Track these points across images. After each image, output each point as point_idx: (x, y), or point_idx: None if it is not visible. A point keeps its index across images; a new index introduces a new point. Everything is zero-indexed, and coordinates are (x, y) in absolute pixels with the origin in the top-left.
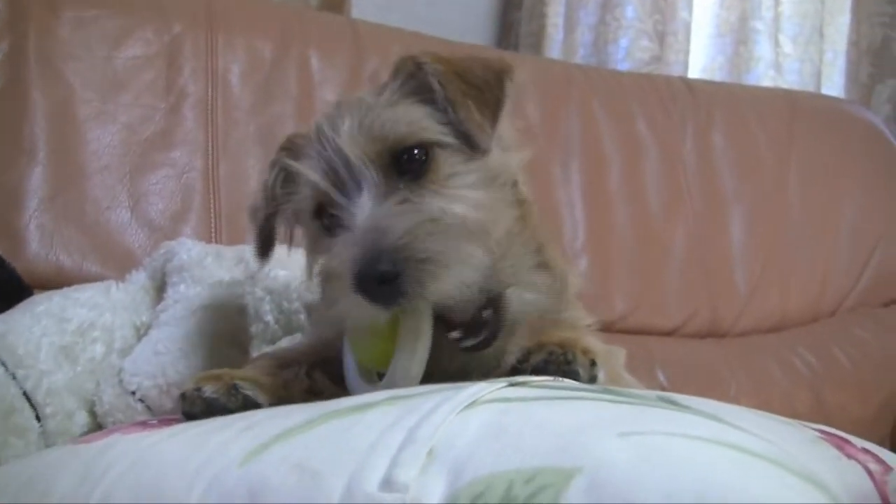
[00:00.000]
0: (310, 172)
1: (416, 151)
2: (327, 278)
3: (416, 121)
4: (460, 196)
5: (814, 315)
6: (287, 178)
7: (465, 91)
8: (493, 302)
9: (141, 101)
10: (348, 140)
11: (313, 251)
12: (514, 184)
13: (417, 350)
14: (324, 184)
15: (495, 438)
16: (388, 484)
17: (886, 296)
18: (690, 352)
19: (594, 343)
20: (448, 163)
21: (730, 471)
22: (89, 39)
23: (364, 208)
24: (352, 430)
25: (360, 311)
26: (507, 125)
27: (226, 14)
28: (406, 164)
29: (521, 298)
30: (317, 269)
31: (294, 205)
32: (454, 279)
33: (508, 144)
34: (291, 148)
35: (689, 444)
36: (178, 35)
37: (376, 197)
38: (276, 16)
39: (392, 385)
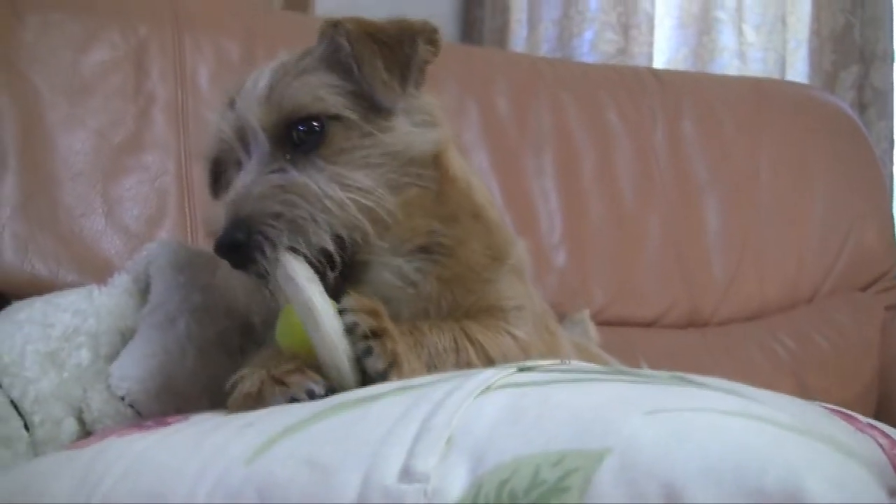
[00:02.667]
0: (224, 126)
1: (314, 124)
2: None
3: (315, 92)
4: (338, 174)
5: (792, 301)
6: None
7: (373, 50)
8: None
9: (110, 105)
10: (255, 103)
11: None
12: (433, 161)
13: (321, 327)
14: (234, 139)
15: (515, 422)
16: (407, 475)
17: (863, 279)
18: (672, 342)
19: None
20: (342, 137)
21: (765, 442)
22: (55, 43)
23: (246, 174)
24: (360, 423)
25: (233, 276)
26: (428, 100)
27: (191, 15)
28: (301, 136)
29: (380, 276)
30: None
31: (223, 155)
32: (298, 237)
33: (426, 120)
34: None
35: (717, 419)
36: (144, 37)
37: (259, 166)
38: (241, 15)
39: (335, 376)
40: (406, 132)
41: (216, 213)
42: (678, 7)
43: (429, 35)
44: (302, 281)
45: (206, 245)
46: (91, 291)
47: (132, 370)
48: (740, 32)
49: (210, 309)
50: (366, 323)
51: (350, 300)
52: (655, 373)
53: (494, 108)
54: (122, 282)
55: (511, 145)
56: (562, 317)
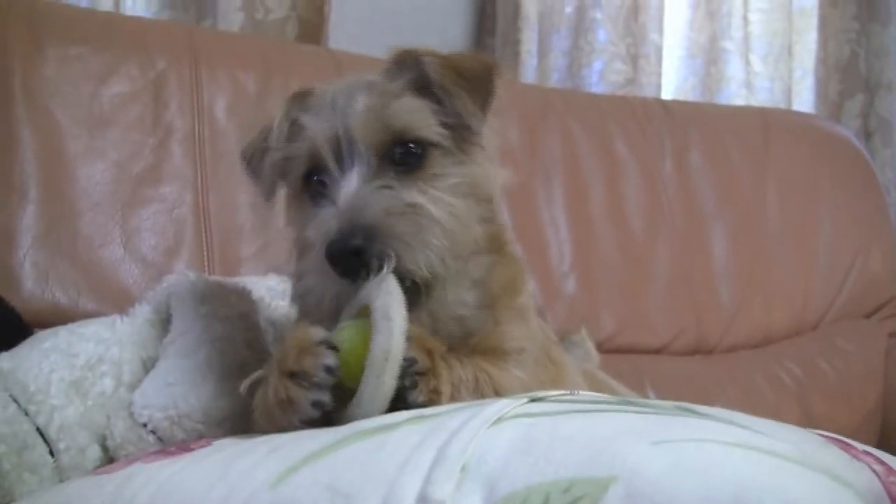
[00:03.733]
0: (318, 132)
1: (412, 146)
2: (303, 248)
3: (421, 117)
4: (439, 198)
5: (798, 328)
6: (290, 131)
7: (458, 81)
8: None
9: (129, 137)
10: (361, 118)
11: (296, 218)
12: (490, 201)
13: (385, 375)
14: (325, 147)
15: (527, 452)
16: (423, 501)
17: (868, 307)
18: (679, 369)
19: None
20: (439, 164)
21: (763, 473)
22: (75, 77)
23: (351, 185)
24: (379, 451)
25: (327, 284)
26: (492, 140)
27: (208, 49)
28: (401, 156)
29: (445, 303)
30: (295, 236)
31: (291, 157)
32: (418, 258)
33: (493, 158)
34: (302, 102)
35: (719, 450)
36: (162, 71)
37: (365, 177)
38: (257, 48)
39: (357, 412)
40: (487, 167)
41: (322, 219)
42: (686, 38)
43: (499, 69)
44: (396, 326)
45: (221, 276)
46: (114, 321)
47: (154, 398)
48: (747, 62)
49: (230, 339)
50: (422, 362)
51: (414, 331)
52: (661, 403)
53: (506, 137)
54: (143, 312)
55: (522, 174)
56: (561, 338)
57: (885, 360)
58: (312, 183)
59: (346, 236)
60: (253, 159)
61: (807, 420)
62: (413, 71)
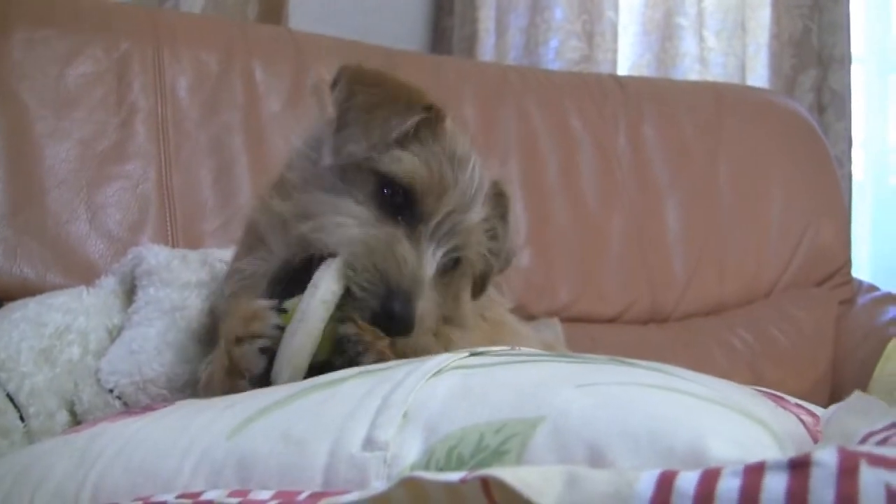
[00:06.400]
0: (442, 180)
1: (461, 262)
2: (306, 216)
3: (480, 242)
4: (428, 313)
5: (750, 297)
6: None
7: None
8: None
9: (94, 116)
10: (475, 229)
11: (333, 188)
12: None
13: (297, 334)
14: (434, 201)
15: (463, 398)
16: (369, 444)
17: (818, 275)
18: (633, 337)
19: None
20: (463, 282)
21: (679, 409)
22: (41, 59)
23: (429, 257)
24: (329, 402)
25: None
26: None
27: (171, 30)
28: (452, 265)
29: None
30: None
31: (391, 155)
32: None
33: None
34: (433, 125)
35: (640, 391)
36: (126, 51)
37: (426, 246)
38: (218, 29)
39: (279, 369)
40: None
41: (387, 239)
42: (641, 14)
43: None
44: (320, 292)
45: (186, 248)
46: (80, 292)
47: (120, 365)
48: (701, 38)
49: (192, 307)
50: (366, 334)
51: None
52: (594, 356)
53: (462, 116)
54: (108, 283)
55: (478, 150)
56: (531, 317)
57: (835, 327)
58: (385, 193)
59: (393, 300)
60: (351, 102)
61: (758, 385)
62: (500, 203)
